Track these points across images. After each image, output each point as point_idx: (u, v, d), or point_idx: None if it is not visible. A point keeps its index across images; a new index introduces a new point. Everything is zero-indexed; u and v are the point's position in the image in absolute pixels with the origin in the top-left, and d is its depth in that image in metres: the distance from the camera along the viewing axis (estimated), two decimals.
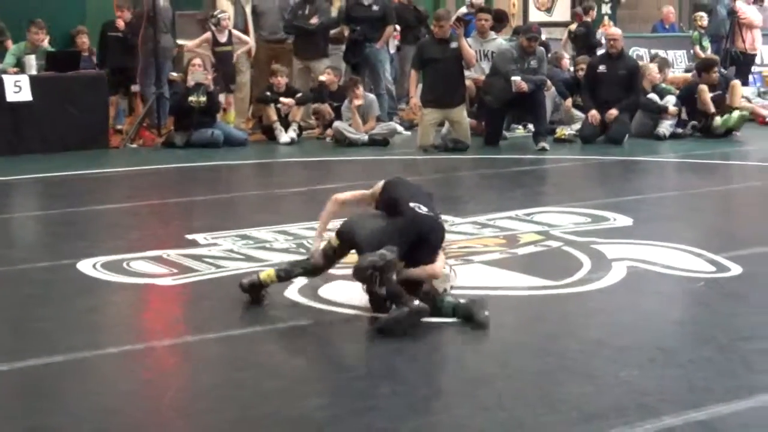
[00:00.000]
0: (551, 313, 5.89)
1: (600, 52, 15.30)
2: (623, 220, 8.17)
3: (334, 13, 14.77)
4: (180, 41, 14.65)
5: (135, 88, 14.17)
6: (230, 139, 13.13)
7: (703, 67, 13.93)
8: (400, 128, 14.10)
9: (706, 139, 13.29)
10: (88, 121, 12.87)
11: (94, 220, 8.78)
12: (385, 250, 5.45)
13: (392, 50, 15.34)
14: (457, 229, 7.83)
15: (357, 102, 13.20)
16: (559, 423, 4.22)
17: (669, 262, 6.77)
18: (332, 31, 14.53)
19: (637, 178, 11.20)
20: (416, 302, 5.40)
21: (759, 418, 4.27)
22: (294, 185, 10.78)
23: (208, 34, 13.75)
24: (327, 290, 6.09)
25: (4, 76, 12.45)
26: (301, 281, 6.12)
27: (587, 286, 6.33)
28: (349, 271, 6.02)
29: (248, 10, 14.33)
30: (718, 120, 13.30)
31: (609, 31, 14.72)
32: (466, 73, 12.95)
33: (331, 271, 6.02)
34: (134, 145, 13.36)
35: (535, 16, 23.46)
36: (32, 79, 12.51)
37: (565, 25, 23.94)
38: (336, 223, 5.95)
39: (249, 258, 7.03)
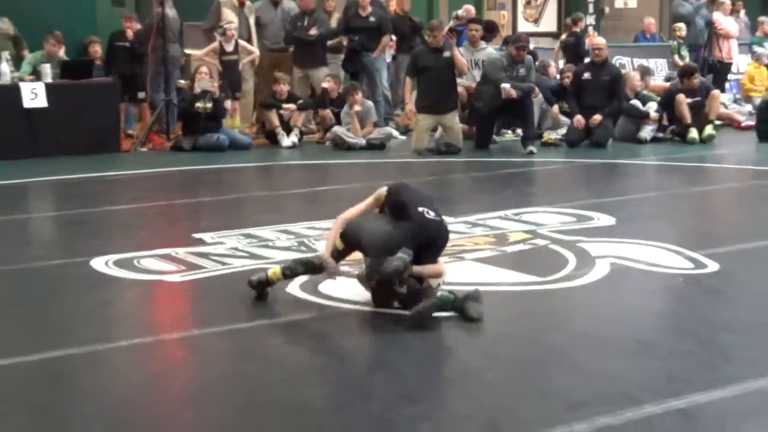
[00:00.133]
0: (538, 307, 5.90)
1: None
2: (606, 220, 8.18)
3: (333, 24, 14.78)
4: (187, 50, 14.65)
5: (141, 95, 14.15)
6: (235, 143, 13.14)
7: (684, 73, 13.96)
8: (395, 133, 14.10)
9: (685, 143, 13.30)
10: (100, 126, 12.86)
11: (106, 220, 8.78)
12: (401, 253, 5.46)
13: (388, 59, 15.34)
14: (449, 228, 7.81)
15: (356, 108, 13.21)
16: (545, 411, 4.23)
17: (650, 260, 6.78)
18: (332, 41, 14.53)
19: (620, 179, 11.20)
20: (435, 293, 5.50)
21: (735, 406, 4.28)
22: (295, 187, 10.78)
23: (215, 44, 13.75)
24: (327, 285, 6.08)
25: (21, 84, 12.45)
26: (302, 277, 6.13)
27: (572, 282, 6.34)
28: (348, 269, 6.05)
29: (252, 21, 14.33)
30: (693, 133, 13.30)
31: (593, 41, 14.73)
32: (459, 80, 12.97)
33: None
34: (144, 149, 13.36)
35: (524, 26, 23.49)
36: (47, 86, 12.51)
37: (551, 35, 24.02)
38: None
39: (253, 255, 7.04)
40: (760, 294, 6.12)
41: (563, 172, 11.80)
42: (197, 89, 13.02)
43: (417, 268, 5.61)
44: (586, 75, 13.57)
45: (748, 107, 16.65)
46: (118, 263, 6.83)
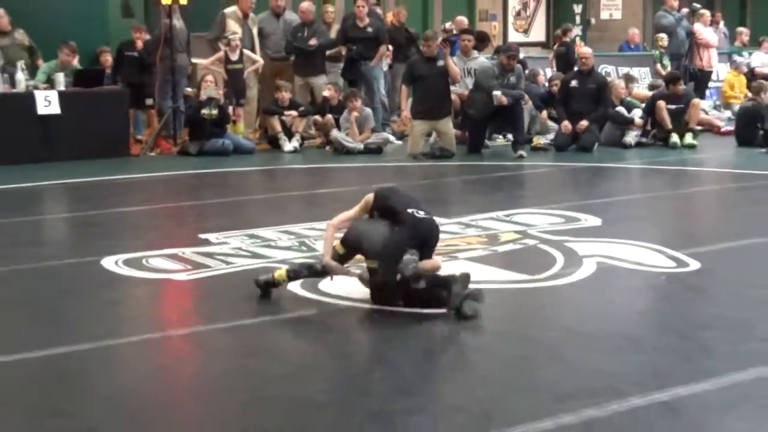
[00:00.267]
0: (528, 304, 5.89)
1: None
2: (593, 221, 8.17)
3: (332, 34, 14.77)
4: (194, 60, 14.63)
5: (149, 101, 14.13)
6: (239, 148, 13.13)
7: (670, 80, 13.96)
8: (392, 138, 14.08)
9: (667, 147, 13.28)
10: (111, 132, 12.83)
11: (116, 221, 8.76)
12: (409, 254, 5.49)
13: (385, 68, 15.33)
14: (443, 228, 7.74)
15: (355, 113, 13.20)
16: (535, 403, 4.22)
17: (634, 259, 6.77)
18: (331, 51, 14.51)
19: (606, 182, 11.19)
20: (455, 275, 5.56)
21: (716, 399, 4.27)
22: (296, 189, 10.77)
23: (221, 53, 13.72)
24: (327, 284, 6.07)
25: (35, 92, 12.44)
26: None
27: (561, 280, 6.33)
28: (349, 268, 6.04)
29: (255, 31, 14.31)
30: (675, 138, 13.29)
31: (580, 50, 14.72)
32: (452, 88, 12.96)
33: None
34: (152, 154, 13.33)
35: (514, 36, 23.53)
36: (60, 94, 12.49)
37: (540, 45, 24.06)
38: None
39: (256, 255, 7.02)
40: (740, 291, 6.11)
41: (552, 176, 11.79)
42: (203, 97, 13.00)
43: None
44: (574, 83, 13.58)
45: (728, 113, 16.66)
46: (128, 262, 6.81)
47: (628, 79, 15.37)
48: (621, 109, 13.77)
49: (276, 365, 4.83)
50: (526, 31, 24.50)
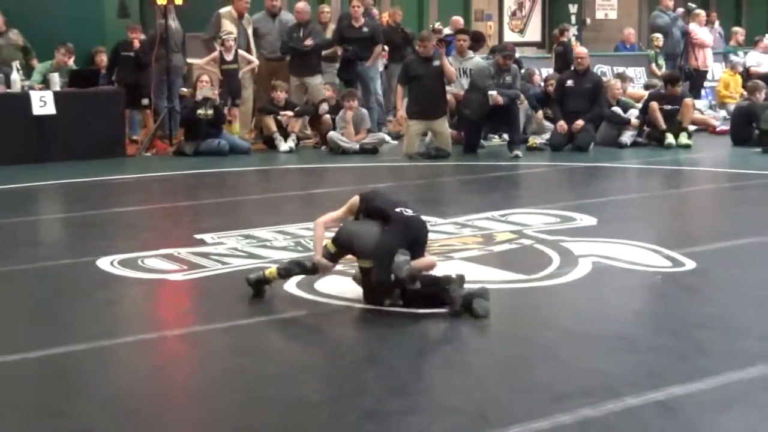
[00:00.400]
0: (524, 304, 5.89)
1: None
2: (588, 220, 8.17)
3: (328, 34, 14.76)
4: (189, 60, 14.62)
5: (145, 101, 14.12)
6: (235, 148, 13.12)
7: (669, 80, 13.93)
8: (388, 138, 14.08)
9: (663, 147, 13.28)
10: (107, 132, 12.82)
11: (112, 222, 8.75)
12: (401, 255, 5.51)
13: (381, 68, 15.33)
14: (439, 228, 7.83)
15: (350, 113, 13.20)
16: (530, 402, 4.22)
17: (630, 258, 6.78)
18: (327, 51, 14.51)
19: (601, 182, 11.20)
20: (450, 276, 5.61)
21: (711, 398, 4.28)
22: (292, 189, 10.77)
23: (216, 53, 13.71)
24: (322, 284, 6.09)
25: (30, 92, 12.43)
26: (298, 276, 6.11)
27: (556, 279, 6.34)
28: (342, 267, 6.05)
29: (250, 31, 14.30)
30: (670, 138, 13.29)
31: (576, 50, 14.73)
32: (448, 88, 12.96)
33: None
34: (148, 154, 13.33)
35: (509, 36, 23.52)
36: (56, 94, 12.48)
37: (536, 44, 24.07)
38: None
39: (251, 255, 7.02)
40: (735, 291, 6.13)
41: (547, 175, 11.80)
42: (199, 97, 13.00)
43: (412, 264, 5.62)
44: (569, 82, 13.58)
45: (723, 113, 16.68)
46: (123, 263, 6.81)
47: (621, 78, 15.36)
48: (617, 109, 13.78)
49: (271, 365, 4.84)
50: (521, 31, 24.50)
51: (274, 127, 13.46)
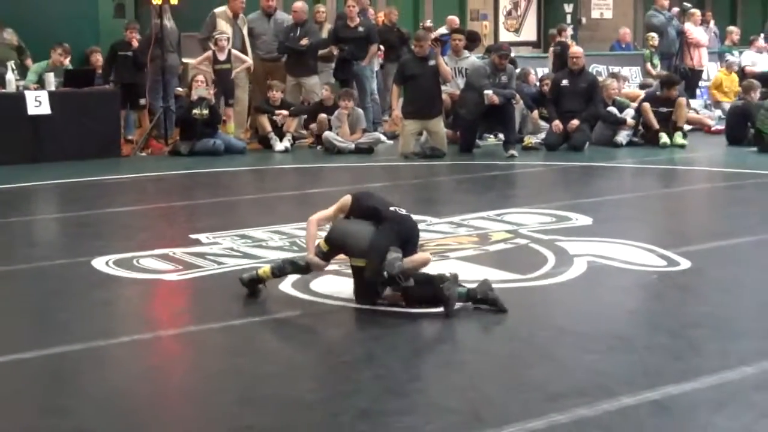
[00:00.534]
0: (519, 303, 5.88)
1: None
2: (584, 220, 8.18)
3: (324, 34, 14.76)
4: (185, 60, 14.62)
5: (142, 101, 14.12)
6: (230, 147, 13.12)
7: (666, 83, 13.89)
8: (383, 138, 14.08)
9: (657, 147, 13.28)
10: (102, 132, 12.81)
11: (107, 222, 8.75)
12: (393, 252, 5.54)
13: (376, 67, 15.33)
14: (434, 228, 7.84)
15: (345, 112, 13.19)
16: (525, 402, 4.23)
17: (625, 258, 6.78)
18: (322, 51, 14.51)
19: (597, 181, 11.21)
20: (444, 274, 5.63)
21: (706, 397, 4.28)
22: (287, 189, 10.77)
23: (209, 53, 13.71)
24: (317, 284, 6.09)
25: (26, 92, 12.42)
26: (294, 276, 6.12)
27: (551, 279, 6.34)
28: (337, 267, 6.06)
29: (245, 31, 14.29)
30: (665, 138, 13.29)
31: (572, 50, 14.71)
32: (443, 87, 12.97)
33: None
34: (143, 154, 13.32)
35: (505, 36, 23.53)
36: (51, 94, 12.47)
37: (531, 44, 24.08)
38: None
39: (247, 255, 7.02)
40: (729, 290, 6.14)
41: (543, 175, 11.81)
42: (194, 97, 12.99)
43: (406, 261, 5.64)
44: (565, 82, 13.59)
45: (718, 112, 16.69)
46: (119, 263, 6.81)
47: (615, 78, 15.35)
48: (612, 109, 13.79)
49: (266, 365, 4.84)
50: (517, 31, 24.51)
51: (269, 127, 13.47)
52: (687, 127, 13.90)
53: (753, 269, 6.66)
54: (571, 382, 4.46)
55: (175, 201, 10.01)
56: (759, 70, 18.13)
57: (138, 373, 4.80)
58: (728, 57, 18.89)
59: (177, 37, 14.28)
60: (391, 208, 5.80)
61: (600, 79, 14.81)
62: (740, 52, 19.49)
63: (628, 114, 13.77)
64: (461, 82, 13.32)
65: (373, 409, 4.18)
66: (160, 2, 13.53)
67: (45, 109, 12.36)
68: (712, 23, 20.98)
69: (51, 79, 12.64)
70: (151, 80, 13.87)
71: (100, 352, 5.03)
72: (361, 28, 14.41)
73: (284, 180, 11.71)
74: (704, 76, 18.75)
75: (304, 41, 14.04)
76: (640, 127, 13.73)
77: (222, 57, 13.64)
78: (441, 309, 5.54)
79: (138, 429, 4.10)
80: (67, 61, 13.64)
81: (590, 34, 23.70)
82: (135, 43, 14.02)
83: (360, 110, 13.60)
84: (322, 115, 13.55)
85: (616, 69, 17.59)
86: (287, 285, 6.09)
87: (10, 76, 12.47)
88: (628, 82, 16.98)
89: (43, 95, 12.41)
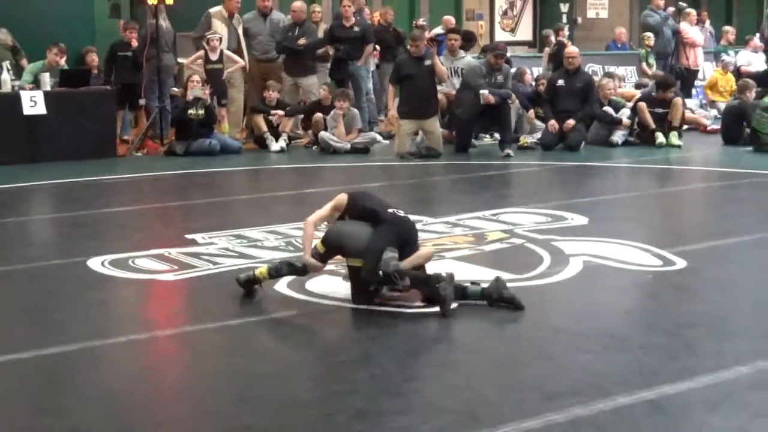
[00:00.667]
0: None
1: None
2: (579, 220, 8.19)
3: (320, 34, 14.75)
4: (180, 59, 14.61)
5: (142, 102, 14.12)
6: (226, 147, 13.12)
7: (661, 84, 13.87)
8: (379, 137, 14.08)
9: (654, 147, 13.28)
10: (97, 132, 12.80)
11: (103, 222, 8.74)
12: (389, 252, 5.58)
13: (372, 67, 15.33)
14: (430, 228, 7.84)
15: (340, 112, 13.17)
16: (521, 402, 4.23)
17: (621, 257, 6.79)
18: (319, 51, 14.50)
19: (592, 181, 11.21)
20: (440, 274, 5.61)
21: (701, 397, 4.29)
22: (283, 189, 10.76)
23: (201, 52, 13.69)
24: (313, 284, 6.09)
25: (21, 92, 12.41)
26: (289, 276, 6.12)
27: (547, 279, 6.35)
28: (332, 267, 6.06)
29: (240, 31, 14.28)
30: (661, 138, 13.28)
31: (567, 49, 14.70)
32: (439, 87, 12.98)
33: None
34: (139, 154, 13.32)
35: (500, 36, 23.54)
36: (46, 94, 12.46)
37: (527, 44, 24.08)
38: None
39: (242, 255, 7.03)
40: (725, 290, 6.15)
41: (538, 175, 11.81)
42: (189, 97, 12.98)
43: (409, 261, 5.69)
44: (560, 82, 13.59)
45: (714, 112, 16.70)
46: (114, 263, 6.81)
47: (611, 77, 15.34)
48: (608, 109, 13.79)
49: (262, 365, 4.84)
50: (512, 30, 24.53)
51: (265, 127, 13.46)
52: (684, 127, 13.89)
53: (748, 269, 6.67)
54: (567, 381, 4.46)
55: (170, 201, 10.01)
56: (754, 69, 18.12)
57: (134, 373, 4.80)
58: (724, 57, 18.90)
59: (172, 37, 14.27)
60: (389, 210, 5.82)
61: (596, 78, 14.81)
62: (736, 52, 19.50)
63: (624, 114, 13.77)
64: (457, 82, 13.33)
65: (369, 409, 4.18)
66: (155, 2, 13.52)
67: (40, 109, 12.35)
68: (707, 23, 21.00)
69: (46, 79, 12.63)
70: (146, 80, 13.86)
71: (95, 353, 5.04)
72: (356, 28, 14.40)
73: (280, 180, 11.71)
74: (700, 75, 18.74)
75: (302, 41, 14.03)
76: (635, 126, 13.73)
77: (214, 57, 13.62)
78: (437, 308, 5.55)
79: (134, 429, 4.10)
80: (62, 61, 13.61)
81: (586, 34, 23.70)
82: (134, 43, 14.02)
83: (355, 110, 13.59)
84: (318, 115, 13.55)
85: (611, 69, 17.57)
86: (283, 285, 6.09)
87: (6, 77, 12.45)
88: (624, 82, 16.97)
89: (39, 95, 12.40)
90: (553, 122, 13.25)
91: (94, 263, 6.81)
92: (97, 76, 13.91)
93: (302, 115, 14.06)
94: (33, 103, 12.31)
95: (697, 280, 6.41)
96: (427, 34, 14.30)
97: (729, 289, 6.15)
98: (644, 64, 18.06)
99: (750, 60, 18.76)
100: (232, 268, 6.57)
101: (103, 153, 12.74)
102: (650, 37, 18.10)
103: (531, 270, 6.52)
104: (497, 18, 24.24)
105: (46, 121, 12.38)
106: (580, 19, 24.25)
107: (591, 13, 24.56)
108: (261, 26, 14.44)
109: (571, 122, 13.16)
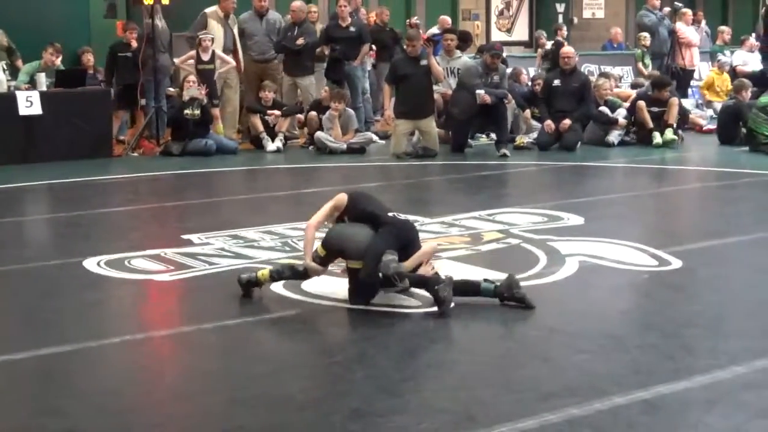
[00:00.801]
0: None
1: None
2: (575, 220, 8.19)
3: (318, 34, 14.75)
4: (176, 60, 14.59)
5: (142, 102, 14.11)
6: (222, 147, 13.11)
7: (657, 84, 13.87)
8: (375, 137, 14.07)
9: (650, 146, 13.29)
10: (93, 133, 12.79)
11: (99, 222, 8.74)
12: (389, 254, 5.60)
13: (368, 67, 15.32)
14: (426, 228, 7.83)
15: (335, 113, 13.16)
16: (517, 402, 4.24)
17: (617, 257, 6.80)
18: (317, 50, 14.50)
19: (588, 181, 11.22)
20: (440, 276, 5.66)
21: (697, 396, 4.29)
22: (279, 189, 10.76)
23: (193, 52, 13.67)
24: (309, 284, 6.08)
25: (17, 92, 12.40)
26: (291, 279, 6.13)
27: (543, 279, 6.35)
28: (330, 267, 6.06)
29: (236, 31, 14.26)
30: (657, 138, 13.29)
31: (563, 49, 14.70)
32: (435, 87, 12.98)
33: None
34: (135, 154, 13.30)
35: (496, 36, 23.54)
36: (42, 94, 12.45)
37: (523, 44, 24.08)
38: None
39: (239, 255, 7.02)
40: (720, 289, 6.15)
41: (535, 175, 11.82)
42: (186, 97, 12.97)
43: (412, 260, 5.72)
44: (556, 82, 13.59)
45: (710, 112, 16.71)
46: (110, 263, 6.80)
47: (608, 77, 15.35)
48: (604, 108, 13.80)
49: (258, 365, 4.84)
50: (509, 31, 24.53)
51: (261, 127, 13.46)
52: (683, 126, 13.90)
53: (744, 269, 6.67)
54: (563, 381, 4.47)
55: (166, 201, 10.00)
56: (750, 69, 18.15)
57: (130, 373, 4.80)
58: (720, 57, 18.92)
59: (168, 37, 14.26)
60: (390, 214, 5.85)
61: (592, 79, 14.82)
62: (732, 52, 19.52)
63: (620, 114, 13.78)
64: (453, 81, 13.33)
65: (365, 409, 4.18)
66: (151, 2, 13.51)
67: (36, 109, 12.34)
68: (703, 23, 21.00)
69: (42, 80, 12.62)
70: (143, 81, 13.85)
71: (91, 353, 5.03)
72: (352, 28, 14.40)
73: (276, 180, 11.70)
74: (696, 75, 18.77)
75: (300, 41, 14.03)
76: (632, 126, 13.73)
77: (205, 57, 13.58)
78: (433, 309, 5.55)
79: (130, 429, 4.10)
80: (58, 61, 13.61)
81: (582, 34, 23.70)
82: (134, 44, 14.00)
83: (351, 111, 13.59)
84: (312, 113, 13.55)
85: (607, 69, 17.58)
86: (279, 285, 6.08)
87: (1, 77, 12.44)
88: (619, 83, 16.97)
89: (35, 95, 12.39)
90: (549, 122, 13.25)
91: (90, 263, 6.81)
92: (93, 76, 13.91)
93: (299, 115, 14.05)
94: (29, 104, 12.30)
95: (693, 280, 6.42)
96: (423, 34, 14.31)
97: (725, 289, 6.15)
98: (640, 64, 18.08)
99: (746, 60, 18.78)
100: (229, 269, 6.57)
101: (99, 153, 12.73)
102: (646, 37, 18.12)
103: (527, 270, 6.51)
104: (493, 18, 24.25)
105: (42, 121, 12.36)
106: (576, 19, 24.25)
107: (587, 13, 24.57)
108: (257, 26, 14.43)
109: (567, 122, 13.17)
